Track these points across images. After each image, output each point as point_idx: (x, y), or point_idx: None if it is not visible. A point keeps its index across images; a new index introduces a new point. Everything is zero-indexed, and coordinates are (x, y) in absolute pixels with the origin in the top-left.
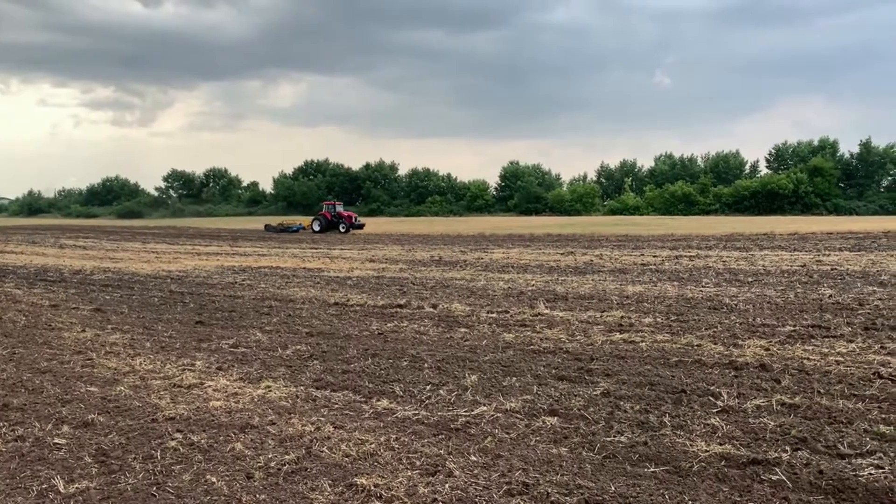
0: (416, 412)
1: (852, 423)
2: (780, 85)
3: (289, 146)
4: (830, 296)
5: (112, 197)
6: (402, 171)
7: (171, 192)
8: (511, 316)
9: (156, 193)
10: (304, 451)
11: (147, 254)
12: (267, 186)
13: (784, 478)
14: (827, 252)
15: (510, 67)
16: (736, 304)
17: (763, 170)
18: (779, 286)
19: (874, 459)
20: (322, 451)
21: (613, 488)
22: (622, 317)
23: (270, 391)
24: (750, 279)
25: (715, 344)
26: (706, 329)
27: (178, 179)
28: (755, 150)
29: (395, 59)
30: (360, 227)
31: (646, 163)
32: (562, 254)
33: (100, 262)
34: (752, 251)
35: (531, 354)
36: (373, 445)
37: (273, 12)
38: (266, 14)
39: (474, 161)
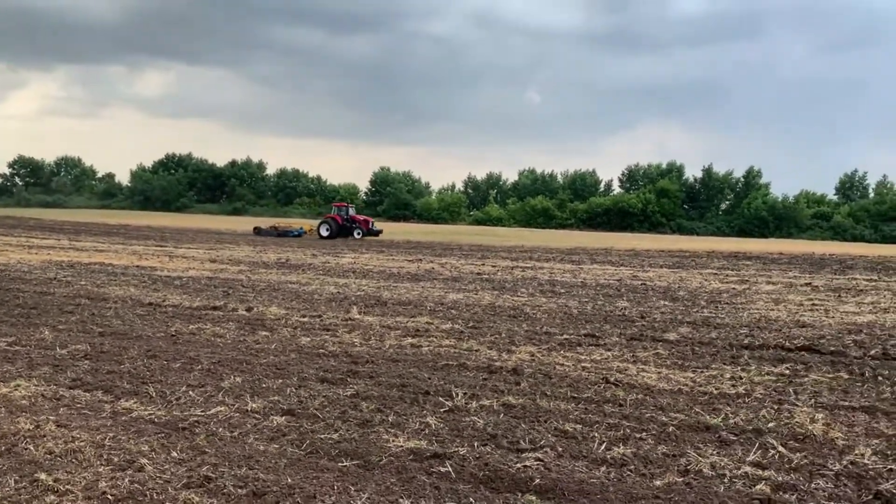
0: (154, 412)
1: (548, 422)
2: (640, 110)
3: (154, 138)
4: (623, 308)
5: None
6: (271, 170)
7: (17, 179)
8: (322, 320)
9: None
10: (4, 448)
11: None
12: (124, 179)
13: (450, 469)
14: (648, 268)
15: (389, 73)
16: (535, 314)
17: (616, 189)
18: (584, 298)
19: (540, 454)
20: (26, 449)
21: (290, 480)
22: (426, 322)
23: (17, 390)
24: (563, 291)
25: (490, 350)
26: (492, 336)
27: (26, 166)
28: (613, 171)
29: (272, 56)
30: (378, 233)
31: (511, 176)
32: (410, 261)
33: None
34: (582, 265)
35: (313, 358)
36: (83, 443)
37: None
38: None
39: (349, 164)
